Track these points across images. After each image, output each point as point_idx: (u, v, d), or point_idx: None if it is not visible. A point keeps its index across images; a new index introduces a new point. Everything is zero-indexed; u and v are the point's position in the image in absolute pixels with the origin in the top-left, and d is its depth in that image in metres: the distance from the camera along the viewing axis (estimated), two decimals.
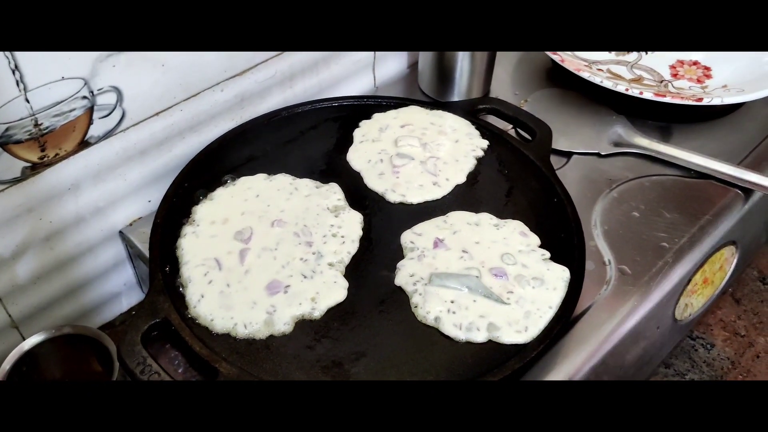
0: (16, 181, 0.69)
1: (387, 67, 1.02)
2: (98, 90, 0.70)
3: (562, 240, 0.72)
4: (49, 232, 0.75)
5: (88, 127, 0.72)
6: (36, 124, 0.67)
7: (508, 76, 1.03)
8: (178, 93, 0.77)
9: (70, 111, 0.69)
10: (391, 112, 0.87)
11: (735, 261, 0.89)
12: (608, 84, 0.90)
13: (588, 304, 0.72)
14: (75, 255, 0.79)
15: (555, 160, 0.83)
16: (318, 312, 0.66)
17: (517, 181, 0.79)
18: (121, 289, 0.86)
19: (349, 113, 0.87)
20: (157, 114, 0.77)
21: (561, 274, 0.69)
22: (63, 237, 0.76)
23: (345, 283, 0.68)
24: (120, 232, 0.81)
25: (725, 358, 0.92)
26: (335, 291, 0.67)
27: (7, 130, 0.66)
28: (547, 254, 0.71)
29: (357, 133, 0.84)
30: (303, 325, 0.65)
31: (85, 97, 0.70)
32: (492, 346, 0.64)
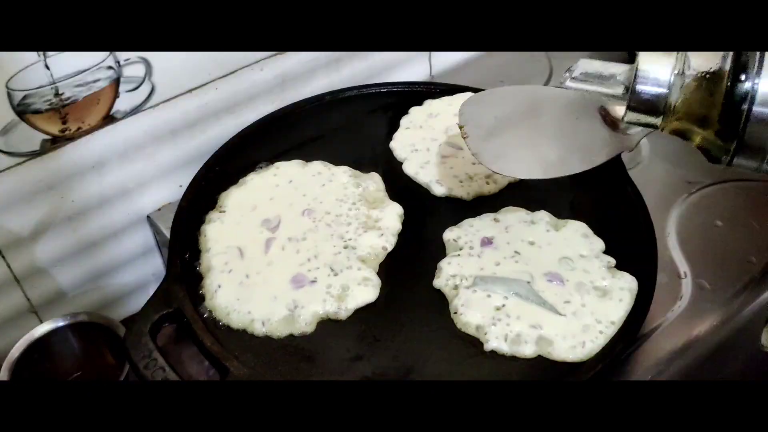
0: (35, 154, 0.65)
1: (444, 56, 0.94)
2: (125, 60, 0.65)
3: (631, 247, 0.63)
4: (71, 213, 0.70)
5: (113, 101, 0.67)
6: (57, 94, 0.63)
7: None
8: (213, 69, 0.72)
9: (94, 81, 0.65)
10: (445, 99, 0.79)
11: None
12: None
13: (658, 321, 0.63)
14: (99, 239, 0.74)
15: (627, 158, 0.74)
16: (345, 312, 0.58)
17: (582, 179, 0.70)
18: (149, 279, 0.81)
19: (399, 100, 0.80)
20: (189, 91, 0.72)
21: (628, 285, 0.59)
22: (86, 219, 0.72)
23: (378, 282, 0.61)
24: (148, 217, 0.76)
25: None
26: (366, 290, 0.60)
27: (25, 98, 0.61)
28: (613, 261, 0.62)
29: (404, 120, 0.76)
30: (327, 325, 0.58)
31: (110, 68, 0.65)
32: (541, 362, 0.55)
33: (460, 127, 0.62)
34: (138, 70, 0.67)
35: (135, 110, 0.69)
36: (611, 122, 0.58)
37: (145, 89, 0.68)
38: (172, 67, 0.69)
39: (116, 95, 0.67)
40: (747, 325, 0.66)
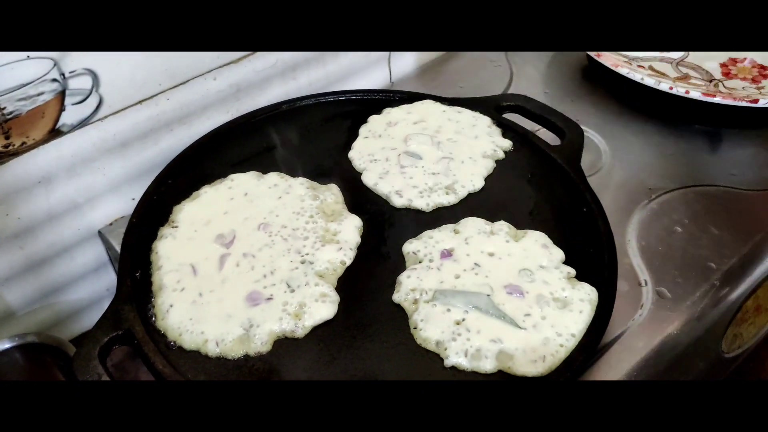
0: None
1: (404, 61, 0.93)
2: (70, 73, 0.63)
3: (591, 256, 0.62)
4: (18, 230, 0.68)
5: (59, 114, 0.65)
6: None
7: (539, 73, 0.93)
8: (164, 80, 0.70)
9: (38, 95, 0.62)
10: (405, 107, 0.78)
11: None
12: (650, 82, 0.80)
13: (619, 331, 0.63)
14: (48, 256, 0.72)
15: (587, 166, 0.73)
16: (302, 330, 0.57)
17: (541, 187, 0.70)
18: (103, 295, 0.79)
19: (358, 108, 0.78)
20: (139, 102, 0.69)
21: (588, 296, 0.59)
22: (34, 235, 0.69)
23: (336, 298, 0.59)
24: (99, 232, 0.74)
25: None
26: (324, 306, 0.58)
27: None
28: (573, 272, 0.61)
29: (363, 129, 0.75)
30: (283, 344, 0.56)
31: (55, 80, 0.63)
32: (502, 377, 0.54)
33: None
34: (84, 82, 0.64)
35: (82, 123, 0.66)
36: None
37: (92, 101, 0.66)
38: (120, 78, 0.66)
39: (62, 108, 0.64)
40: (708, 331, 0.66)
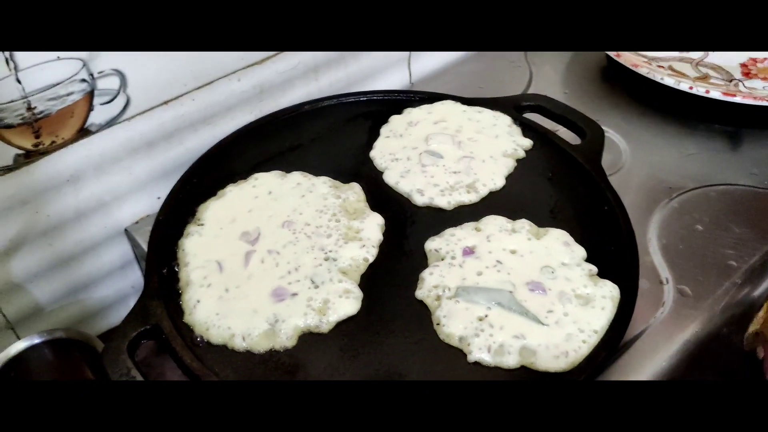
0: (8, 169, 0.64)
1: (424, 62, 0.94)
2: (99, 73, 0.64)
3: (612, 254, 0.63)
4: (47, 227, 0.69)
5: (87, 114, 0.66)
6: (29, 108, 0.62)
7: (558, 73, 0.94)
8: (189, 81, 0.71)
9: (68, 95, 0.64)
10: (425, 107, 0.79)
11: None
12: (670, 82, 0.80)
13: (641, 328, 0.63)
14: (76, 253, 0.73)
15: (607, 165, 0.74)
16: (326, 325, 0.58)
17: (562, 186, 0.70)
18: (128, 292, 0.80)
19: (379, 109, 0.79)
20: (165, 103, 0.71)
21: (610, 293, 0.59)
22: (62, 233, 0.71)
23: (359, 294, 0.60)
24: (125, 230, 0.75)
25: None
26: (348, 302, 0.59)
27: None
28: (595, 269, 0.61)
29: (384, 129, 0.76)
30: (308, 339, 0.57)
31: (84, 80, 0.64)
32: (525, 373, 0.55)
33: None
34: (112, 83, 0.66)
35: (110, 123, 0.68)
36: None
37: (120, 101, 0.67)
38: (147, 78, 0.68)
39: (90, 108, 0.66)
40: (729, 329, 0.66)
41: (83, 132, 0.66)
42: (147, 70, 0.67)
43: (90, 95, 0.65)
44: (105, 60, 0.64)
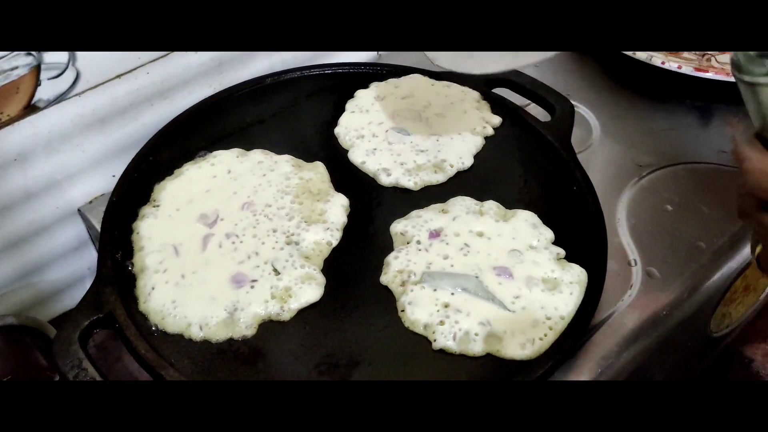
0: None
1: None
2: None
3: (581, 236, 0.62)
4: None
5: (35, 89, 0.62)
6: None
7: None
8: (143, 53, 0.67)
9: (12, 69, 0.60)
10: (392, 81, 0.76)
11: None
12: (642, 56, 0.79)
13: (608, 312, 0.62)
14: (27, 235, 0.70)
15: (577, 142, 0.72)
16: (287, 313, 0.56)
17: (531, 165, 0.69)
18: (85, 274, 0.77)
19: (344, 82, 0.76)
20: (118, 76, 0.67)
21: (577, 277, 0.58)
22: (11, 214, 0.67)
23: (322, 280, 0.58)
24: (79, 210, 0.72)
25: (765, 375, 0.81)
26: (310, 289, 0.57)
27: None
28: (563, 252, 0.60)
29: (350, 104, 0.73)
30: (268, 327, 0.55)
31: (29, 54, 0.60)
32: (491, 361, 0.54)
33: None
34: (60, 56, 0.62)
35: (59, 98, 0.64)
36: None
37: (69, 76, 0.64)
38: (97, 52, 0.64)
39: (37, 83, 0.62)
40: (697, 311, 0.66)
41: (30, 108, 0.63)
42: None
43: (37, 69, 0.61)
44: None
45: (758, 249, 0.49)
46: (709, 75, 0.77)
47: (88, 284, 0.76)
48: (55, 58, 0.62)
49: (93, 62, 0.64)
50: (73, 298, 0.77)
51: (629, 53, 0.79)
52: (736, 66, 0.45)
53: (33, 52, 0.60)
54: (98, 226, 0.69)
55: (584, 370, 0.58)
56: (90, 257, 0.76)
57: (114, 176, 0.72)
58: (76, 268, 0.75)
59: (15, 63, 0.60)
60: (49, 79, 0.63)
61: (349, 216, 0.63)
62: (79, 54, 0.63)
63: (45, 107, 0.64)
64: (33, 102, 0.63)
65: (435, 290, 0.57)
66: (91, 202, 0.72)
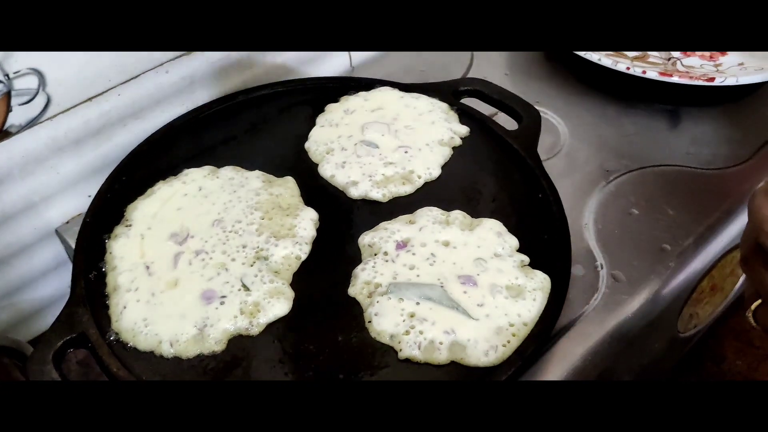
0: None
1: None
2: (15, 73, 0.62)
3: (545, 242, 0.63)
4: None
5: (6, 115, 0.64)
6: None
7: (500, 54, 0.93)
8: (114, 75, 0.69)
9: None
10: (362, 94, 0.77)
11: None
12: (607, 62, 0.80)
13: (575, 315, 0.63)
14: (5, 256, 0.71)
15: (546, 148, 0.73)
16: (256, 328, 0.57)
17: (497, 173, 0.70)
18: (64, 293, 0.77)
19: (315, 97, 0.78)
20: (89, 99, 0.69)
21: (541, 284, 0.59)
22: None
23: (291, 294, 0.59)
24: (56, 231, 0.73)
25: (737, 372, 0.82)
26: (279, 303, 0.58)
27: None
28: (527, 259, 0.61)
29: (320, 118, 0.74)
30: (238, 342, 0.56)
31: None
32: (455, 368, 0.55)
33: None
34: (30, 82, 0.63)
35: (31, 123, 0.66)
36: None
37: (40, 101, 0.65)
38: (67, 76, 0.65)
39: (8, 109, 0.63)
40: (663, 313, 0.67)
41: (3, 134, 0.64)
42: (67, 67, 0.65)
43: (7, 96, 0.63)
44: (20, 60, 0.62)
45: (755, 304, 0.48)
46: (674, 79, 0.78)
47: None
48: (25, 84, 0.63)
49: (63, 86, 0.66)
50: (54, 317, 0.78)
51: (596, 59, 0.81)
52: None
53: (2, 79, 0.61)
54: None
55: (550, 375, 0.59)
56: (69, 276, 0.77)
57: (90, 196, 0.72)
58: (55, 287, 0.77)
59: None
60: (20, 104, 0.64)
61: (318, 230, 0.64)
62: (49, 79, 0.64)
63: (17, 132, 0.65)
64: (5, 128, 0.64)
65: (401, 300, 0.58)
66: (68, 222, 0.73)
